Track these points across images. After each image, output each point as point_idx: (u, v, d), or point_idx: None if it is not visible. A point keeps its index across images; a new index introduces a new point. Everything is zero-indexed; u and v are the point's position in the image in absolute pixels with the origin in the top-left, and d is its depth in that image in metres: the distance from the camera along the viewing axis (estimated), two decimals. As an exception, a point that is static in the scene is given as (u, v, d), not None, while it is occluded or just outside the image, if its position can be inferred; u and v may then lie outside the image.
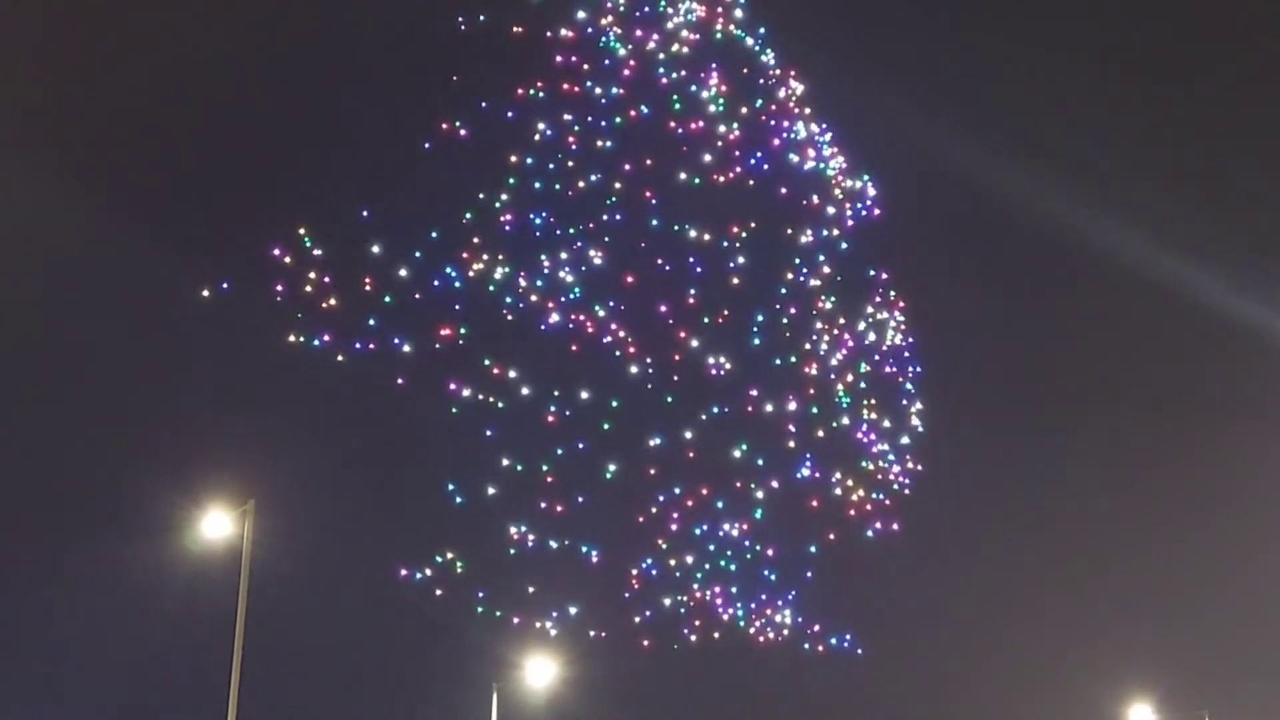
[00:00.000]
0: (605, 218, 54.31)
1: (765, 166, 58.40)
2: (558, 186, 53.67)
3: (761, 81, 59.13)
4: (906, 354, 60.21)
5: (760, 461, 56.68)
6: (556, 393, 53.38)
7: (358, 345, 49.65)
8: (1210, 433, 59.29)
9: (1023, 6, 63.08)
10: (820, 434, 58.00)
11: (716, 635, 54.68)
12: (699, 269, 56.36)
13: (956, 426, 59.46)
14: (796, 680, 55.04)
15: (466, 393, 51.37)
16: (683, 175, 56.49)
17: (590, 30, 55.74)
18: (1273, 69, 62.54)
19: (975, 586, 57.53)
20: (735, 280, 57.30)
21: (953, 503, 58.78)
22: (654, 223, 55.82)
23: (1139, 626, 57.51)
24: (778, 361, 57.72)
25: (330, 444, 46.49)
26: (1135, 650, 56.85)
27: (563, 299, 52.96)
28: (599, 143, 55.03)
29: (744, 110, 58.44)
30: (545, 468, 52.48)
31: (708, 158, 57.11)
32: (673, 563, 53.65)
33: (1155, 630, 57.36)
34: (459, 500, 50.86)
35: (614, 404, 54.51)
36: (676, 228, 55.94)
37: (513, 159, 53.47)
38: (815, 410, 57.98)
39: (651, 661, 53.19)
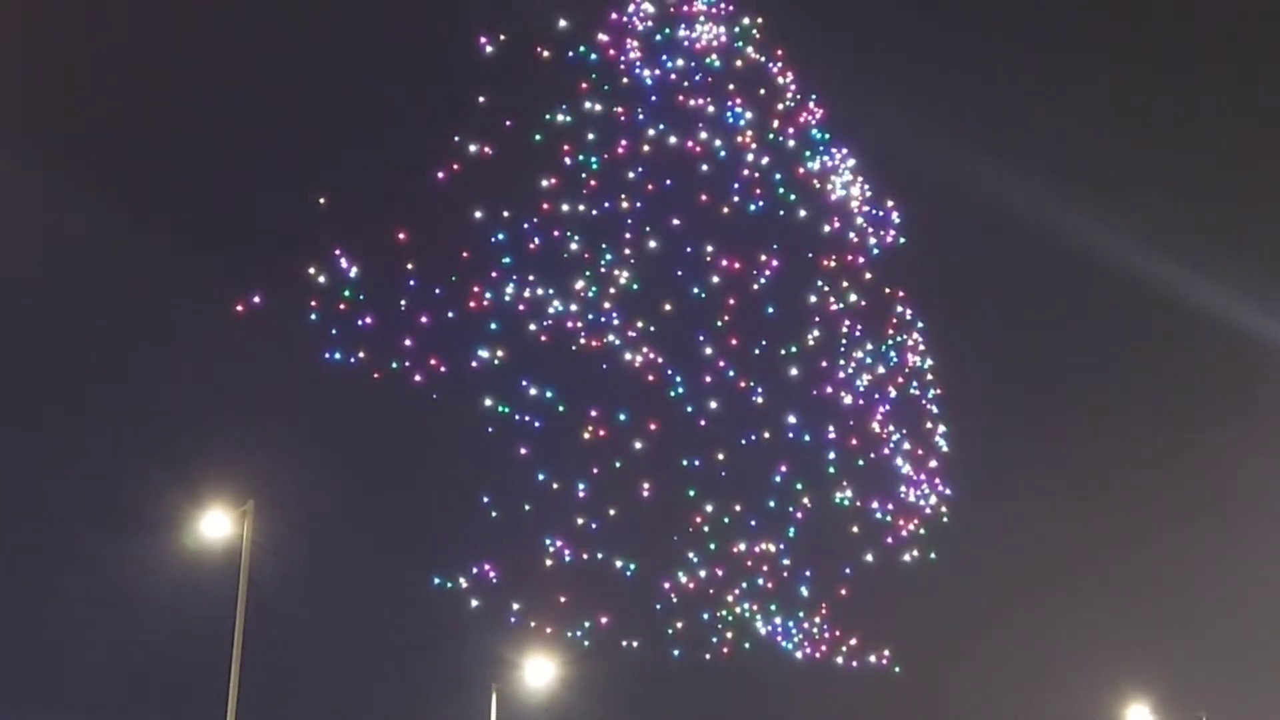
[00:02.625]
0: (629, 235, 51.71)
1: (793, 197, 55.71)
2: (581, 208, 51.23)
3: (781, 106, 56.56)
4: (929, 376, 57.35)
5: (798, 485, 53.96)
6: (594, 413, 50.62)
7: (394, 364, 47.35)
8: (1209, 435, 57.44)
9: (1043, 29, 61.05)
10: (860, 462, 55.25)
11: (748, 646, 52.21)
12: (731, 299, 53.51)
13: (970, 442, 57.36)
14: (805, 687, 53.01)
15: (501, 408, 48.78)
16: (704, 197, 53.88)
17: (613, 52, 53.39)
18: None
19: (972, 589, 55.34)
20: (768, 309, 54.53)
21: (961, 513, 56.93)
22: (687, 250, 53.18)
23: (1137, 628, 55.54)
24: (814, 393, 54.65)
25: (333, 450, 44.66)
26: (1133, 651, 54.74)
27: (591, 317, 50.39)
28: (627, 170, 52.52)
29: (770, 136, 55.89)
30: (581, 485, 49.77)
31: (735, 185, 54.57)
32: (703, 574, 50.79)
33: (1153, 631, 55.36)
34: (494, 513, 48.40)
35: (652, 426, 51.63)
36: (708, 258, 53.25)
37: (542, 182, 51.07)
38: (854, 442, 54.89)
39: (681, 671, 51.17)
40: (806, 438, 55.03)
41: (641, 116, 53.91)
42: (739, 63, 56.60)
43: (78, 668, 39.87)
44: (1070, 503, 57.19)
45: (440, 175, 49.65)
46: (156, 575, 36.93)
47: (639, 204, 53.00)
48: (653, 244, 53.06)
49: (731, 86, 56.27)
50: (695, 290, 53.89)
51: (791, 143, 57.10)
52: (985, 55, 59.53)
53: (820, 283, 56.62)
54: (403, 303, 48.57)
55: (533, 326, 50.39)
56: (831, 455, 55.54)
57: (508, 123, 51.14)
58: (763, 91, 57.15)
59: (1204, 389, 59.25)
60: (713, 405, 53.43)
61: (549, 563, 49.28)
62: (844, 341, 56.56)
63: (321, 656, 42.18)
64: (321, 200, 47.23)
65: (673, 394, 53.01)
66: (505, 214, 50.38)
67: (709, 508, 52.51)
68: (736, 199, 55.42)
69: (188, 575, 35.66)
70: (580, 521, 50.14)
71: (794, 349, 55.50)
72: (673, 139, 54.48)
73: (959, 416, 57.74)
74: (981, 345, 58.71)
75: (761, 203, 55.93)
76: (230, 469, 36.48)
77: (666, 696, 50.79)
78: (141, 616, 38.58)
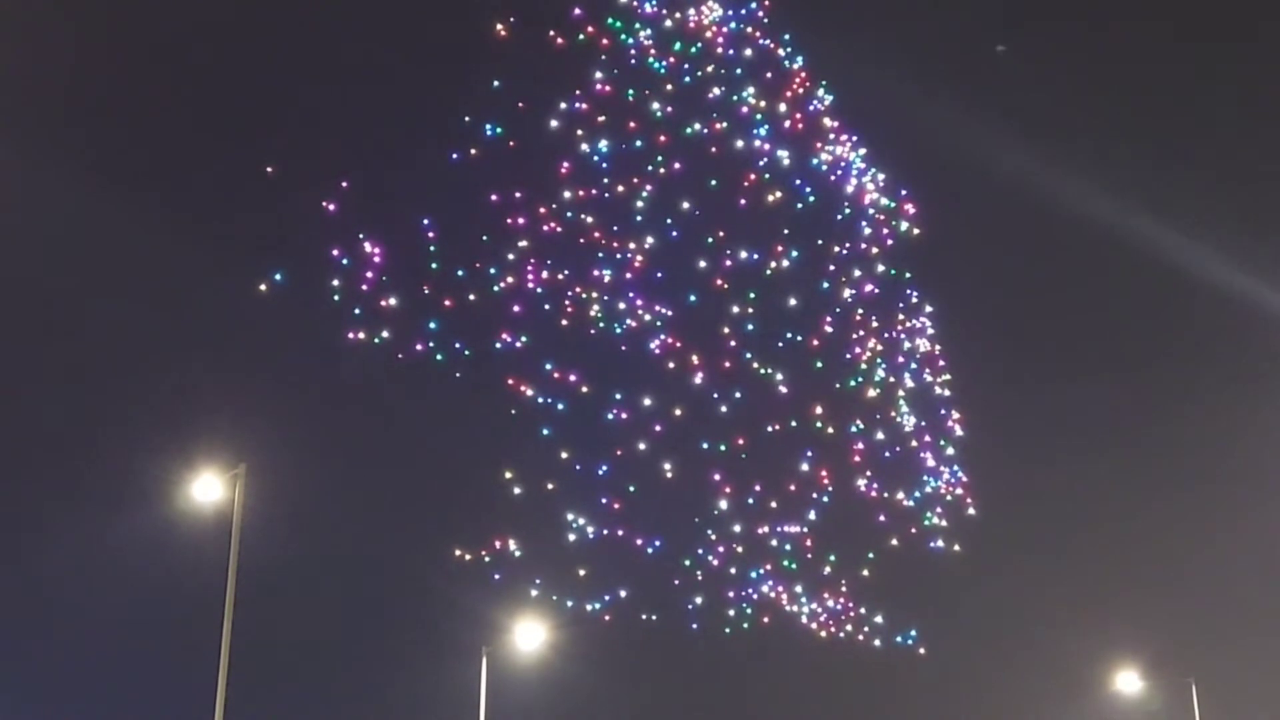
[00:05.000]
0: (640, 219, 50.23)
1: (808, 188, 53.82)
2: (593, 192, 49.78)
3: (789, 94, 54.62)
4: (942, 362, 55.26)
5: (822, 472, 52.24)
6: (619, 395, 49.20)
7: (418, 347, 46.12)
8: (1204, 404, 54.85)
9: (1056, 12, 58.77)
10: (886, 455, 53.89)
11: (766, 620, 50.75)
12: (752, 293, 52.31)
13: (976, 418, 55.62)
14: (823, 664, 51.64)
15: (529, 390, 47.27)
16: (714, 183, 52.22)
17: (624, 37, 51.83)
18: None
19: (968, 560, 53.65)
20: (791, 300, 52.81)
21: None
22: (708, 239, 51.64)
23: (1126, 594, 53.44)
24: (837, 386, 53.02)
25: (341, 423, 43.83)
26: (1122, 617, 52.84)
27: (608, 300, 48.97)
28: (644, 156, 50.96)
29: (786, 125, 54.11)
30: (603, 468, 48.57)
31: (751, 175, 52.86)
32: (721, 549, 49.38)
33: (1142, 598, 53.25)
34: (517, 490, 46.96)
35: (677, 411, 50.10)
36: (728, 251, 51.63)
37: (559, 167, 49.99)
38: (880, 437, 53.83)
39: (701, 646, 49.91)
40: (830, 430, 53.07)
41: (655, 103, 52.21)
42: (748, 51, 54.74)
43: (64, 631, 38.83)
44: (1063, 471, 54.96)
45: (455, 156, 48.39)
46: (147, 539, 35.78)
47: (656, 189, 51.39)
48: (675, 234, 51.54)
49: (740, 71, 54.45)
50: (717, 280, 52.26)
51: (802, 126, 55.19)
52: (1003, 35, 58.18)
53: (833, 268, 54.73)
54: (425, 287, 47.40)
55: (549, 307, 49.09)
56: (859, 445, 53.61)
57: (519, 104, 49.77)
58: (770, 75, 55.30)
59: (1203, 359, 57.28)
60: (736, 395, 51.79)
61: (571, 537, 47.98)
62: (860, 331, 54.65)
63: (313, 621, 41.03)
64: (345, 184, 46.26)
65: (695, 380, 51.38)
66: (518, 195, 49.01)
67: (729, 489, 50.97)
68: (750, 185, 53.63)
69: (177, 538, 34.47)
70: (603, 500, 48.71)
71: (814, 340, 53.75)
72: (688, 127, 52.78)
73: (969, 397, 55.81)
74: (986, 324, 56.98)
75: (779, 192, 54.08)
76: (221, 431, 35.38)
77: (685, 668, 49.75)
78: (130, 579, 37.46)
